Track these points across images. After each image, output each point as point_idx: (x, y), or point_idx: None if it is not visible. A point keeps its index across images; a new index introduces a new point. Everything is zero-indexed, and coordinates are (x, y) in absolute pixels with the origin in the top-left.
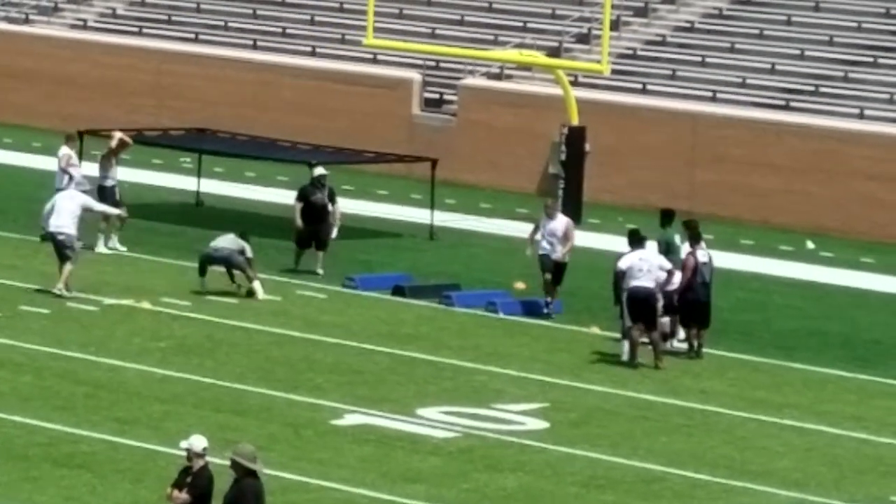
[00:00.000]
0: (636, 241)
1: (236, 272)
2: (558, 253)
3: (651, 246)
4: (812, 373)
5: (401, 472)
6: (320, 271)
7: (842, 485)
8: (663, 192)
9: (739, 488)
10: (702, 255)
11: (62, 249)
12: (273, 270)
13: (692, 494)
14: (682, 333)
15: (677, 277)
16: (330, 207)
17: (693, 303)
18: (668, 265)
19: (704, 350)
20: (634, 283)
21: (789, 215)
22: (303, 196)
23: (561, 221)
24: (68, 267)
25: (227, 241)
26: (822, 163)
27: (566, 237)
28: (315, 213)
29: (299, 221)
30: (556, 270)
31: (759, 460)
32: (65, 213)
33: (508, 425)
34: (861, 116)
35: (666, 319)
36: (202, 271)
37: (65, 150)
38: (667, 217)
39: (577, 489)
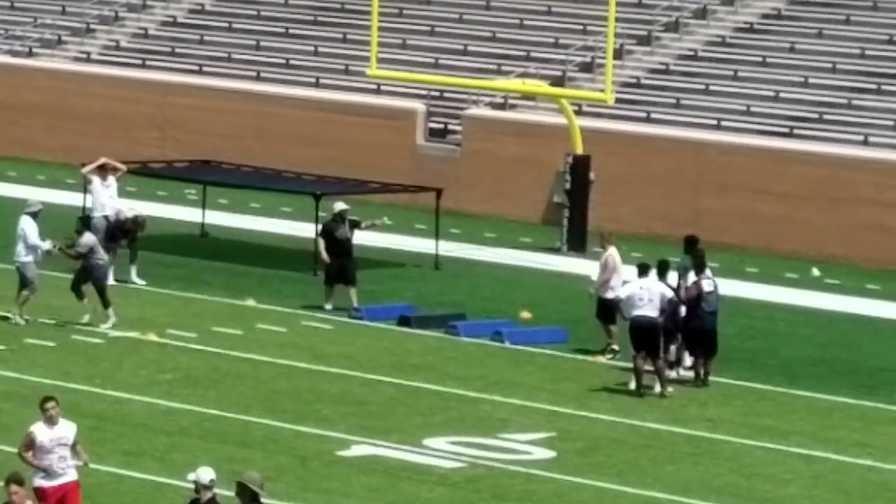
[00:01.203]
0: (643, 271)
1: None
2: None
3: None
4: (818, 400)
5: (408, 502)
6: (356, 304)
7: None
8: (668, 220)
9: None
10: (707, 283)
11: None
12: (279, 301)
13: None
14: (688, 361)
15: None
16: (357, 233)
17: (699, 331)
18: (670, 293)
19: (711, 378)
20: (636, 312)
21: (794, 243)
22: (326, 232)
23: (605, 254)
24: (24, 293)
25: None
26: (827, 190)
27: (603, 268)
28: (339, 248)
29: (325, 256)
30: (599, 309)
31: (766, 487)
32: (18, 239)
33: (515, 455)
34: (865, 143)
35: (673, 348)
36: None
37: None
38: (690, 244)
39: None
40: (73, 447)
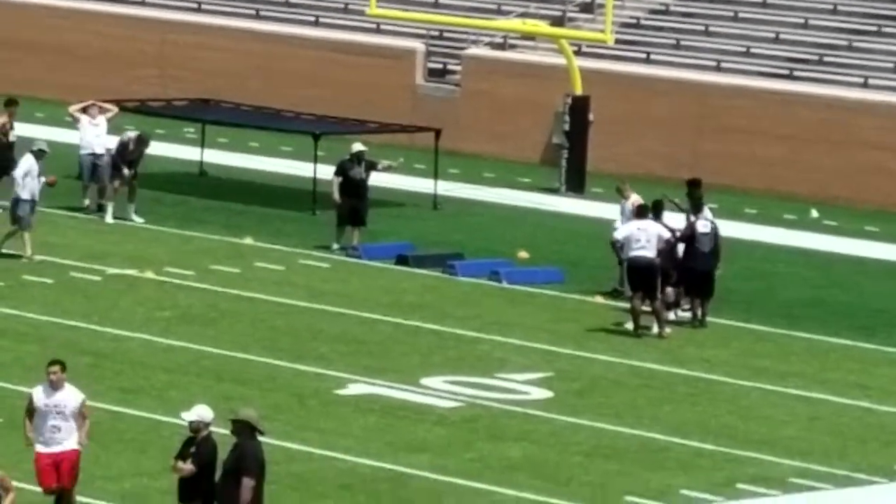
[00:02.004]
0: (640, 212)
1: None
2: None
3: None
4: (816, 342)
5: (405, 441)
6: (355, 242)
7: (845, 453)
8: (668, 161)
9: (743, 457)
10: (702, 224)
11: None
12: (277, 240)
13: (696, 463)
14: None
15: (681, 247)
16: (374, 173)
17: (694, 272)
18: (668, 234)
19: (709, 319)
20: (634, 253)
21: (794, 184)
22: (341, 171)
23: (627, 202)
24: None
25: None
26: (827, 132)
27: (623, 215)
28: (353, 188)
29: (337, 196)
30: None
31: (763, 429)
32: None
33: (513, 395)
34: (865, 85)
35: (670, 289)
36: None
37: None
38: (691, 186)
39: (582, 458)
40: (78, 418)
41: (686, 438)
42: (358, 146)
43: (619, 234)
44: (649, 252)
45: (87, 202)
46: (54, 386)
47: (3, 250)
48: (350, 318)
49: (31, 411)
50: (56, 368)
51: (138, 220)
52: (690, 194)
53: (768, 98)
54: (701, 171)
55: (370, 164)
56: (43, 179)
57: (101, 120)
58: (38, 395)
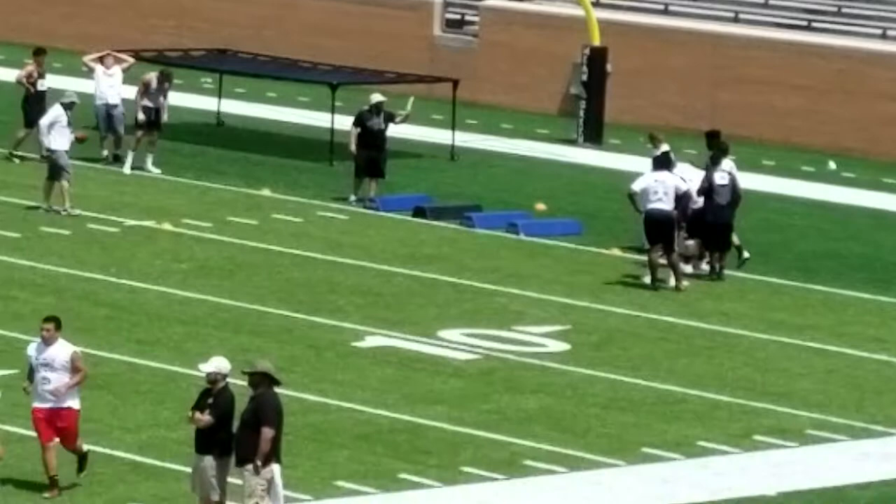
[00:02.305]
0: (657, 163)
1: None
2: None
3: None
4: (833, 294)
5: (422, 393)
6: (373, 194)
7: (862, 406)
8: (685, 112)
9: (760, 409)
10: (720, 176)
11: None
12: (294, 191)
13: (713, 415)
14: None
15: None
16: (398, 118)
17: (712, 225)
18: (685, 186)
19: (726, 272)
20: (651, 205)
21: (811, 136)
22: (359, 121)
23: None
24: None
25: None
26: (844, 83)
27: None
28: (371, 139)
29: (354, 147)
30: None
31: (780, 382)
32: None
33: (530, 347)
34: (883, 37)
35: (692, 242)
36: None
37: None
38: (712, 138)
39: (598, 410)
40: (71, 371)
41: (703, 390)
42: (377, 97)
43: (635, 186)
44: (666, 204)
45: (104, 153)
46: (46, 342)
47: (48, 206)
48: (367, 271)
49: (30, 368)
50: (49, 325)
51: (155, 170)
52: (709, 146)
53: (785, 49)
54: (718, 123)
55: (388, 116)
56: (73, 133)
57: (116, 70)
58: (31, 351)
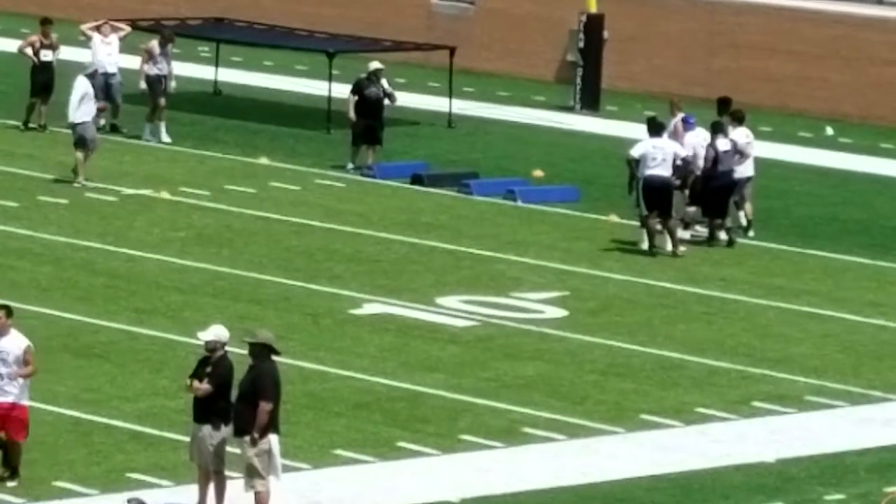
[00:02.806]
0: (654, 128)
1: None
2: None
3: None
4: (831, 260)
5: (420, 360)
6: (370, 162)
7: (860, 371)
8: (681, 78)
9: (758, 375)
10: (723, 143)
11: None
12: (292, 160)
13: (711, 381)
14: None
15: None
16: (387, 102)
17: (715, 191)
18: (684, 152)
19: (722, 237)
20: (649, 171)
21: (808, 101)
22: (357, 89)
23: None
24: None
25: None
26: (841, 48)
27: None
28: (369, 107)
29: (352, 114)
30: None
31: (778, 347)
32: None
33: (527, 314)
34: (879, 2)
35: (692, 208)
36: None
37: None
38: (723, 105)
39: (596, 377)
40: (21, 365)
41: (701, 357)
42: (375, 64)
43: (634, 152)
44: (665, 171)
45: (101, 122)
46: None
47: (84, 181)
48: (365, 238)
49: None
50: (1, 314)
51: (166, 139)
52: (720, 113)
53: (781, 15)
54: (714, 89)
55: (388, 93)
56: (96, 104)
57: (114, 39)
58: None
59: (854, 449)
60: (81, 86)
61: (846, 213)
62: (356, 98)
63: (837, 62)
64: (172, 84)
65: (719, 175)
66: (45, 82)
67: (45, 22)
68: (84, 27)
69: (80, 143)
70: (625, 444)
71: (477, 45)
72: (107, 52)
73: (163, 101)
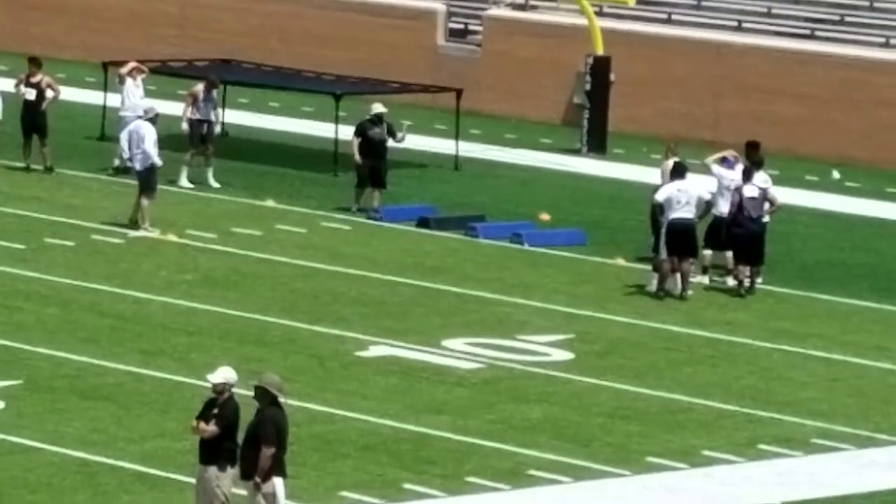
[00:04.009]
0: (678, 172)
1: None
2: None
3: (691, 177)
4: (837, 303)
5: (426, 403)
6: (376, 205)
7: (867, 415)
8: (688, 121)
9: (765, 418)
10: (750, 189)
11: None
12: (298, 202)
13: (718, 424)
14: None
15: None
16: (391, 142)
17: (742, 238)
18: (707, 196)
19: (731, 282)
20: (674, 215)
21: (815, 145)
22: (360, 131)
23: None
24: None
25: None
26: (848, 92)
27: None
28: (373, 149)
29: (358, 157)
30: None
31: (785, 391)
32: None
33: (534, 356)
34: (886, 45)
35: (708, 252)
36: None
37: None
38: (751, 149)
39: (603, 420)
40: None
41: (707, 399)
42: (378, 107)
43: (659, 196)
44: (689, 213)
45: (116, 162)
46: None
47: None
48: (371, 281)
49: None
50: None
51: (215, 185)
52: (748, 157)
53: (788, 58)
54: (721, 132)
55: (390, 128)
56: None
57: (140, 81)
58: None
59: (861, 492)
60: (152, 131)
61: (853, 257)
62: (359, 140)
63: (844, 105)
64: (217, 129)
65: (744, 221)
66: (31, 121)
67: (32, 60)
68: (123, 71)
69: (152, 187)
70: (631, 487)
71: (484, 88)
72: (140, 94)
73: (210, 147)
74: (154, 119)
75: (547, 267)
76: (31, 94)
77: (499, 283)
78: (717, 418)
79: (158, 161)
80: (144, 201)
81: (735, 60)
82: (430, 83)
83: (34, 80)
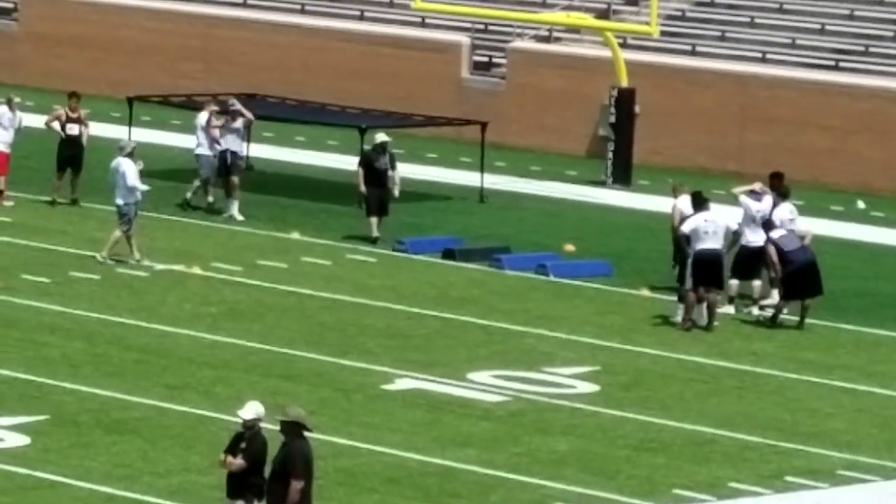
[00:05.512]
0: (699, 203)
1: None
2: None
3: (715, 207)
4: (863, 333)
5: (451, 436)
6: (375, 233)
7: (893, 446)
8: (713, 153)
9: (791, 450)
10: (777, 233)
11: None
12: (324, 234)
13: (743, 456)
14: (769, 300)
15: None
16: (390, 173)
17: (798, 270)
18: (735, 226)
19: (756, 312)
20: (701, 245)
21: (839, 175)
22: (366, 162)
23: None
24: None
25: None
26: (872, 123)
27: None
28: (378, 179)
29: (363, 187)
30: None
31: (810, 422)
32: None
33: (559, 388)
34: None
35: (734, 282)
36: None
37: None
38: (775, 180)
39: (629, 452)
40: None
41: (733, 431)
42: (381, 136)
43: (686, 228)
44: (716, 243)
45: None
46: None
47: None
48: (396, 313)
49: None
50: None
51: (239, 217)
52: (772, 187)
53: (813, 89)
54: (746, 163)
55: (391, 160)
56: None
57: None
58: None
59: None
60: (132, 165)
61: (878, 286)
62: (365, 170)
63: (870, 136)
64: (240, 163)
65: (790, 256)
66: (71, 156)
67: (73, 95)
68: (202, 121)
69: (130, 221)
70: None
71: (508, 120)
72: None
73: (236, 178)
74: (132, 153)
75: (572, 298)
76: (73, 130)
77: (524, 314)
78: (742, 450)
79: (144, 188)
80: (118, 232)
81: (760, 92)
82: (454, 116)
83: (74, 115)
